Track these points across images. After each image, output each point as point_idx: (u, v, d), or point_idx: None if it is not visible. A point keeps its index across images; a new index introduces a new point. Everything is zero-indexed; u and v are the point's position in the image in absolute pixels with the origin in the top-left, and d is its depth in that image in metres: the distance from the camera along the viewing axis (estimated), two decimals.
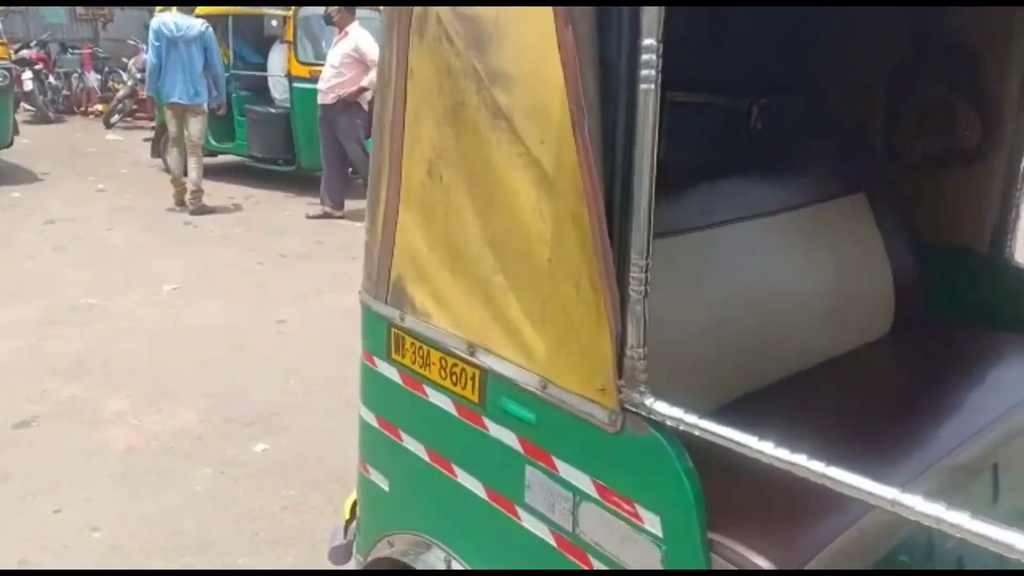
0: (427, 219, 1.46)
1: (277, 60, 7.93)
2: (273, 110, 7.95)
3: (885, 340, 1.95)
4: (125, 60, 12.57)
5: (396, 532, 1.68)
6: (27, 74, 11.53)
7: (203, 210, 7.13)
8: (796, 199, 1.84)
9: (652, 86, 1.04)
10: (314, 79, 6.90)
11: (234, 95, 8.06)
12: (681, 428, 1.10)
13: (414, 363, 1.54)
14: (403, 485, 1.68)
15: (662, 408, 1.12)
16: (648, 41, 1.03)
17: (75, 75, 13.21)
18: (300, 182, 7.91)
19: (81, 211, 7.15)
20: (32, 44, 13.04)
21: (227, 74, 7.79)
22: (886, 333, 1.97)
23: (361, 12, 6.99)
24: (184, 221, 6.96)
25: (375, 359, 1.65)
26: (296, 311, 4.87)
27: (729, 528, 1.14)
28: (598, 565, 1.25)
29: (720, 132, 2.24)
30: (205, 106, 6.97)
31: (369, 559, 1.76)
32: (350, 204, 6.96)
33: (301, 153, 7.64)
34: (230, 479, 3.09)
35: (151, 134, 9.15)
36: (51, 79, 12.82)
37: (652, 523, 1.16)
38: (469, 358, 1.41)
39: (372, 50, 6.33)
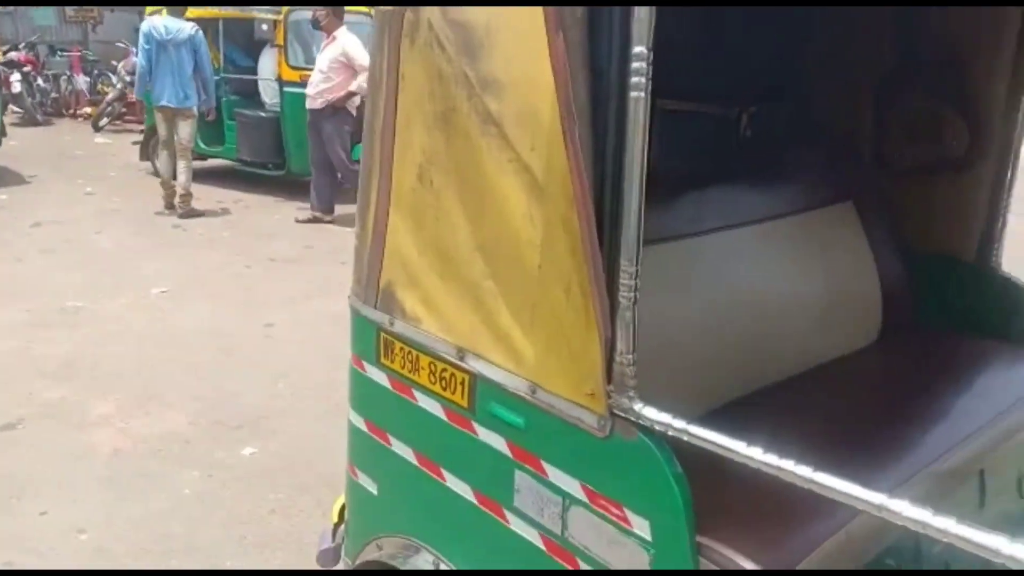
0: (417, 224, 1.46)
1: (267, 64, 7.91)
2: (263, 114, 7.93)
3: (873, 347, 1.96)
4: (115, 63, 12.49)
5: (384, 535, 1.68)
6: (15, 76, 11.46)
7: (192, 214, 7.09)
8: (785, 207, 1.86)
9: (642, 93, 1.05)
10: (304, 83, 6.89)
11: (224, 99, 8.03)
12: (670, 433, 1.11)
13: (403, 368, 1.54)
14: (392, 489, 1.67)
15: (651, 413, 1.12)
16: (639, 49, 1.04)
17: (64, 77, 13.12)
18: (290, 186, 7.88)
19: (69, 214, 7.11)
20: (21, 46, 12.95)
21: (217, 78, 7.77)
22: (874, 340, 1.98)
23: (351, 16, 7.00)
24: (173, 224, 6.93)
25: (364, 364, 1.65)
26: (285, 315, 4.86)
27: (717, 532, 1.15)
28: (587, 569, 1.26)
29: (710, 140, 2.26)
30: (195, 109, 6.94)
31: (357, 562, 1.76)
32: (340, 208, 6.95)
33: (291, 157, 7.62)
34: (218, 482, 3.07)
35: (140, 137, 9.10)
36: (40, 81, 12.72)
37: (641, 527, 1.17)
38: (458, 363, 1.41)
39: (360, 55, 6.33)
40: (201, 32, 6.99)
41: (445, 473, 1.50)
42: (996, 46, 1.84)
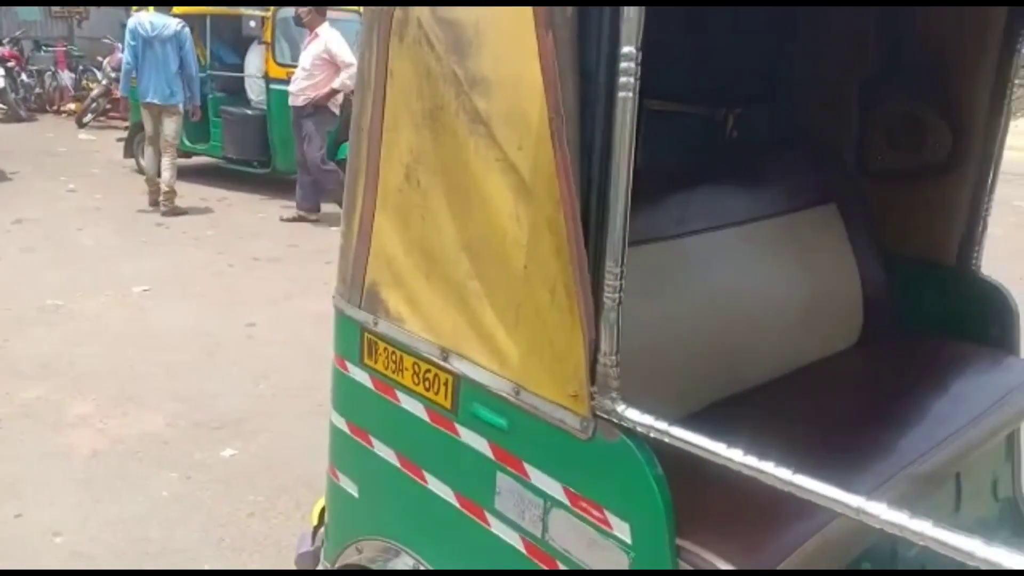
0: (403, 223, 1.45)
1: (254, 61, 7.86)
2: (249, 111, 7.88)
3: (853, 350, 1.98)
4: (100, 59, 12.39)
5: (365, 538, 1.67)
6: None
7: (175, 211, 7.03)
8: (768, 209, 1.87)
9: (630, 93, 1.05)
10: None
11: (210, 96, 7.98)
12: (651, 435, 1.11)
13: (387, 368, 1.53)
14: (373, 491, 1.66)
15: (633, 415, 1.12)
16: (627, 49, 1.04)
17: (48, 73, 12.98)
18: (275, 185, 7.84)
19: (50, 211, 7.02)
20: (5, 41, 12.81)
21: (203, 74, 7.72)
22: (854, 343, 1.99)
23: (341, 14, 6.97)
24: (156, 222, 6.87)
25: (347, 364, 1.64)
26: (267, 315, 4.82)
27: (697, 534, 1.15)
28: (566, 570, 1.25)
29: (696, 140, 2.27)
30: (180, 106, 6.89)
31: (336, 565, 1.75)
32: (326, 208, 6.91)
33: (276, 155, 7.57)
34: (196, 484, 3.04)
35: (124, 134, 9.01)
36: (24, 77, 12.58)
37: (621, 529, 1.17)
38: (442, 363, 1.40)
39: (343, 51, 6.32)
40: (187, 28, 6.93)
41: (426, 475, 1.49)
42: (979, 50, 1.86)
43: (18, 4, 14.63)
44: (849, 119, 2.10)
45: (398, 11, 1.37)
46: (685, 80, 1.99)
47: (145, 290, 5.18)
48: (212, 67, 8.21)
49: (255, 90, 7.90)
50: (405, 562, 1.56)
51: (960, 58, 1.89)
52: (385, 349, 1.53)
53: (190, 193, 7.61)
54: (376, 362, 1.56)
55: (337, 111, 6.68)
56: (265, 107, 7.56)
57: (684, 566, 1.14)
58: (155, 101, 6.73)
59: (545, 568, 1.29)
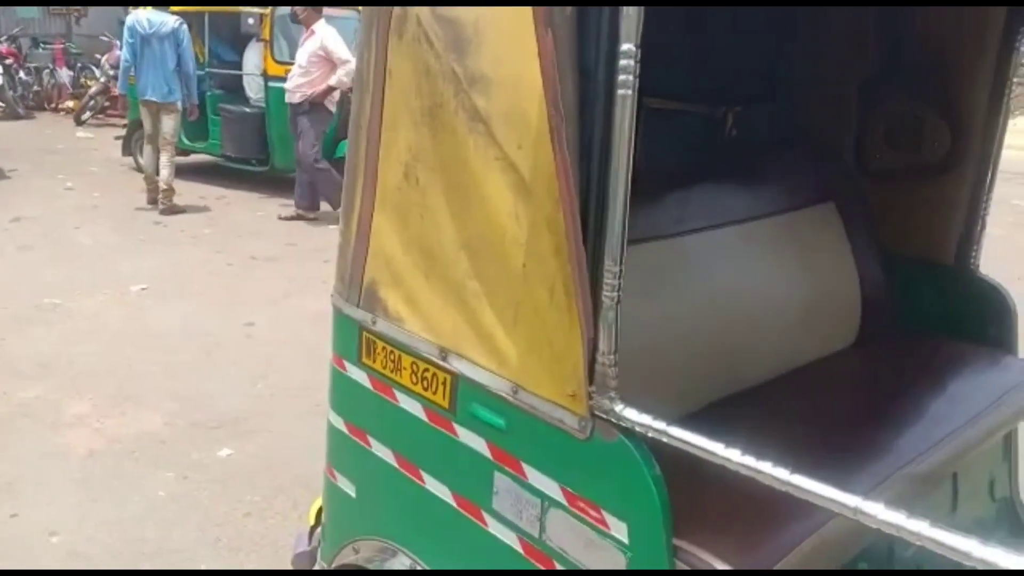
0: (402, 222, 1.45)
1: (252, 59, 7.85)
2: (247, 109, 7.87)
3: (851, 349, 1.98)
4: (98, 56, 12.38)
5: (362, 538, 1.66)
6: None
7: (173, 210, 7.02)
8: (768, 207, 1.87)
9: (630, 92, 1.05)
10: None
11: (208, 93, 7.97)
12: (649, 435, 1.10)
13: (385, 367, 1.53)
14: (370, 491, 1.66)
15: (631, 415, 1.12)
16: (627, 47, 1.04)
17: (46, 71, 12.98)
18: (273, 183, 7.83)
19: (48, 209, 7.01)
20: (3, 38, 12.80)
21: (202, 72, 7.72)
22: (852, 342, 1.99)
23: (339, 12, 6.96)
24: (154, 221, 6.86)
25: (345, 363, 1.64)
26: (266, 314, 4.81)
27: (694, 534, 1.15)
28: (563, 570, 1.25)
29: (695, 139, 2.26)
30: (178, 104, 6.89)
31: (333, 565, 1.74)
32: (324, 206, 6.90)
33: (275, 153, 7.57)
34: (193, 484, 3.03)
35: (122, 132, 8.99)
36: (21, 74, 12.58)
37: (618, 529, 1.17)
38: (441, 363, 1.40)
39: (339, 48, 6.32)
40: (185, 26, 6.93)
41: (424, 475, 1.49)
42: (979, 50, 1.86)
43: (16, 4, 14.60)
44: (848, 118, 2.10)
45: (397, 9, 1.37)
46: (685, 79, 1.99)
47: (143, 289, 5.17)
48: (210, 65, 8.20)
49: (253, 88, 7.90)
50: (402, 562, 1.56)
51: (959, 58, 1.89)
52: (383, 348, 1.52)
53: (188, 191, 7.60)
54: (374, 361, 1.55)
55: (333, 108, 6.67)
56: (263, 105, 7.55)
57: (681, 566, 1.14)
58: (153, 99, 6.74)
59: (542, 568, 1.28)
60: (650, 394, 1.18)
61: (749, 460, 1.00)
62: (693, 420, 1.22)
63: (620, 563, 1.16)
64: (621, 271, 1.10)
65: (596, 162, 1.12)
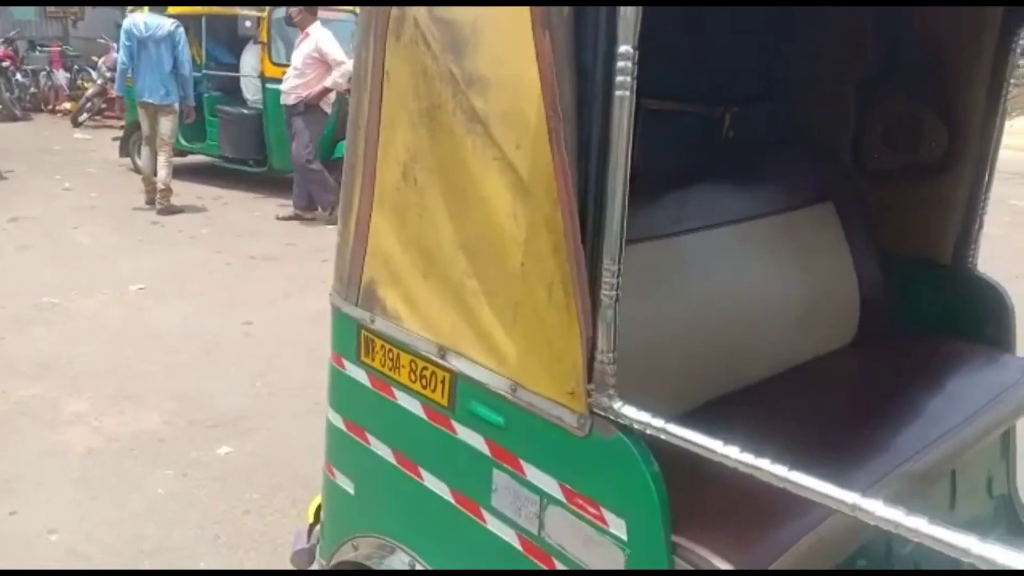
0: (400, 222, 1.45)
1: (249, 60, 7.86)
2: (245, 111, 7.87)
3: (849, 348, 1.98)
4: (95, 59, 12.36)
5: (361, 536, 1.67)
6: None
7: (171, 210, 7.03)
8: (766, 207, 1.87)
9: (627, 92, 1.05)
10: None
11: (206, 95, 7.97)
12: (648, 432, 1.11)
13: (383, 366, 1.54)
14: (369, 488, 1.66)
15: (630, 412, 1.13)
16: (624, 48, 1.05)
17: (43, 73, 12.97)
18: (271, 183, 7.83)
19: (47, 209, 7.01)
20: None
21: (199, 74, 7.72)
22: (850, 341, 2.00)
23: (334, 14, 6.97)
24: (152, 221, 6.86)
25: (344, 361, 1.64)
26: (264, 314, 4.81)
27: (692, 531, 1.15)
28: (563, 569, 1.26)
29: (693, 139, 2.27)
30: (176, 105, 6.90)
31: (332, 563, 1.75)
32: None
33: (272, 154, 7.57)
34: (192, 482, 3.03)
35: (120, 133, 8.99)
36: (18, 76, 12.57)
37: (617, 526, 1.17)
38: (439, 361, 1.41)
39: (334, 50, 6.33)
40: (181, 29, 6.94)
41: (423, 472, 1.50)
42: (976, 50, 1.87)
43: (13, 4, 14.59)
44: (846, 119, 2.11)
45: (394, 10, 1.38)
46: (683, 79, 2.00)
47: (142, 288, 5.17)
48: (208, 67, 8.21)
49: (251, 89, 7.90)
50: (401, 559, 1.56)
51: (957, 58, 1.90)
52: (382, 347, 1.53)
53: (186, 192, 7.60)
54: (373, 360, 1.56)
55: (329, 110, 6.68)
56: (261, 106, 7.56)
57: (679, 563, 1.14)
58: (151, 101, 6.77)
59: (541, 565, 1.29)
60: (648, 392, 1.18)
61: (747, 457, 1.01)
62: (691, 418, 1.22)
63: (619, 560, 1.17)
64: (620, 270, 1.11)
65: (594, 162, 1.13)
